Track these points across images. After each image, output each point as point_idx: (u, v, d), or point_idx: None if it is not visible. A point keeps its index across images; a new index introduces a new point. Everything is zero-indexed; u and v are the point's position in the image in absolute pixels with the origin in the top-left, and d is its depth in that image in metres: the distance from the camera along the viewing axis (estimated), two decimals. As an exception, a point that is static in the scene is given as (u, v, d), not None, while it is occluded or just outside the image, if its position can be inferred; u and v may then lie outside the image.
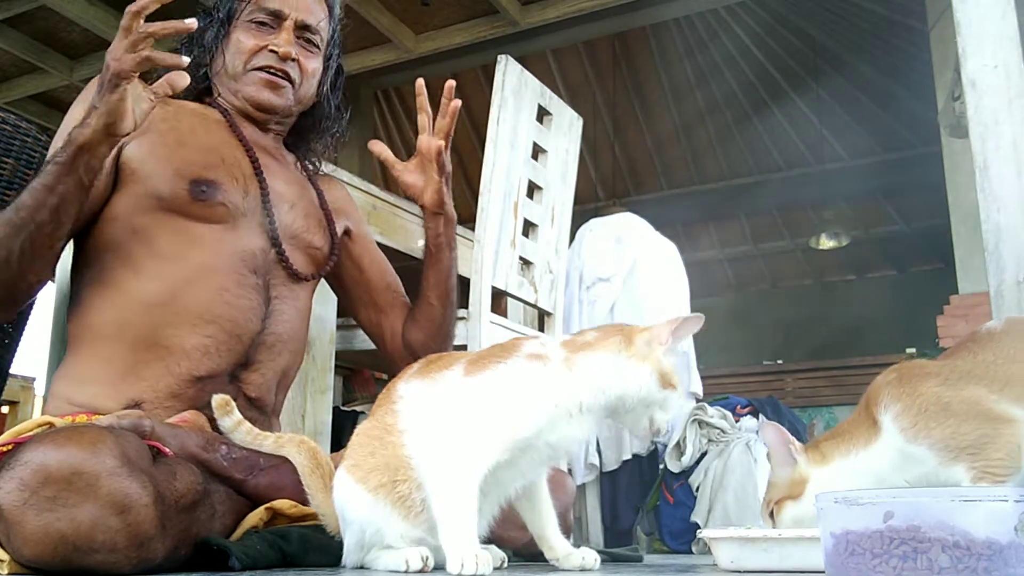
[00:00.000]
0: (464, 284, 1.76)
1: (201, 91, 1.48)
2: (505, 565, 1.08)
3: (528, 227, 2.25)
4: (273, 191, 1.39)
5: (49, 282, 1.30)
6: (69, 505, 0.89)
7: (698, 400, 2.99)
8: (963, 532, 0.67)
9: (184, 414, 1.21)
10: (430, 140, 1.42)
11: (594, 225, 3.25)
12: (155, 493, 0.94)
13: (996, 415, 1.09)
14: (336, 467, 1.06)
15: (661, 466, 2.84)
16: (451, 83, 1.40)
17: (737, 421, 2.72)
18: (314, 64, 1.48)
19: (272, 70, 1.42)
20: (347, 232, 1.55)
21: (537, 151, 2.27)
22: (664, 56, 7.20)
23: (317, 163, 1.58)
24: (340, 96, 1.57)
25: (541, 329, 2.43)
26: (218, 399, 1.18)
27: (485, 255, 2.00)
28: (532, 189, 2.26)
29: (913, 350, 5.39)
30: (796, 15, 6.51)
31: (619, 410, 0.98)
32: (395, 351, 1.54)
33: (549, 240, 2.34)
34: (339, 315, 1.92)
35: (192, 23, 1.11)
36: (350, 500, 1.00)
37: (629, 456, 2.92)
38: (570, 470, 2.80)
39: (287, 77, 1.43)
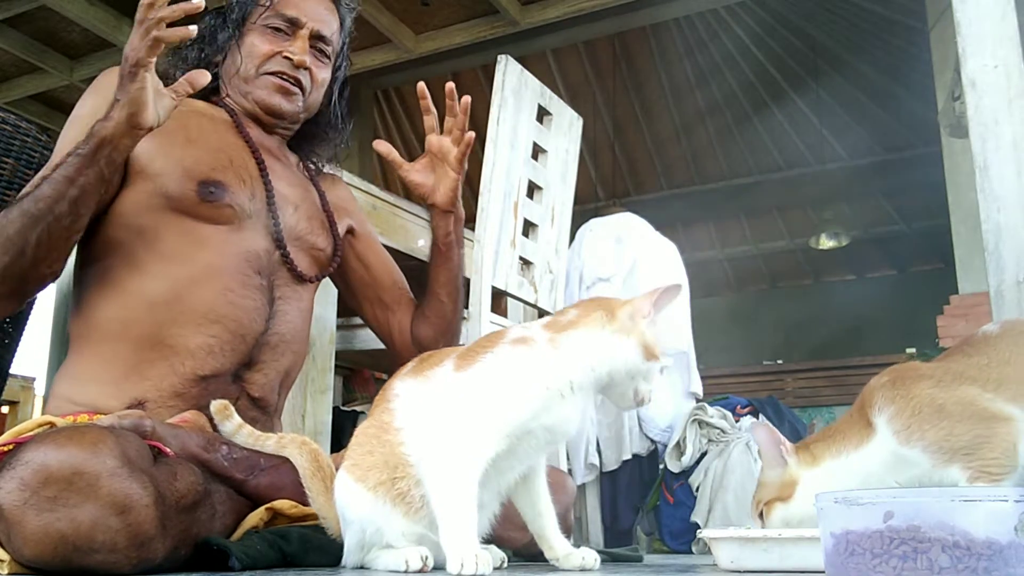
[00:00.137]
0: (464, 284, 1.76)
1: (208, 90, 1.48)
2: (505, 565, 1.08)
3: (528, 227, 2.25)
4: (278, 193, 1.39)
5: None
6: (69, 505, 0.89)
7: (698, 400, 2.99)
8: (963, 532, 0.67)
9: (185, 414, 1.21)
10: (440, 140, 1.43)
11: (594, 225, 3.25)
12: (155, 493, 0.95)
13: (991, 414, 1.09)
14: (337, 469, 1.06)
15: (661, 466, 2.84)
16: (451, 85, 1.40)
17: (737, 421, 2.72)
18: (324, 74, 1.49)
19: (285, 76, 1.43)
20: (351, 231, 1.55)
21: (537, 151, 2.27)
22: (664, 56, 7.20)
23: (319, 164, 1.59)
24: (345, 106, 1.58)
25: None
26: (216, 405, 1.18)
27: (485, 255, 2.00)
28: (532, 189, 2.26)
29: (913, 350, 5.38)
30: (796, 15, 6.51)
31: (608, 385, 0.99)
32: (403, 348, 1.54)
33: (549, 240, 2.34)
34: (339, 315, 1.93)
35: (200, 2, 1.12)
36: (350, 499, 1.00)
37: (629, 456, 2.93)
38: (570, 470, 2.80)
39: (299, 84, 1.45)
